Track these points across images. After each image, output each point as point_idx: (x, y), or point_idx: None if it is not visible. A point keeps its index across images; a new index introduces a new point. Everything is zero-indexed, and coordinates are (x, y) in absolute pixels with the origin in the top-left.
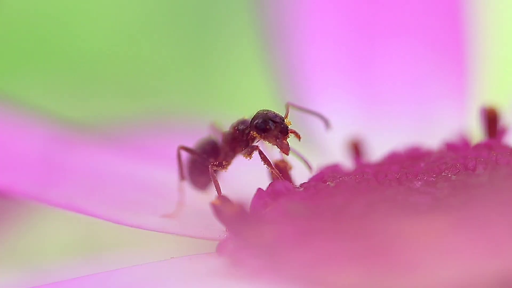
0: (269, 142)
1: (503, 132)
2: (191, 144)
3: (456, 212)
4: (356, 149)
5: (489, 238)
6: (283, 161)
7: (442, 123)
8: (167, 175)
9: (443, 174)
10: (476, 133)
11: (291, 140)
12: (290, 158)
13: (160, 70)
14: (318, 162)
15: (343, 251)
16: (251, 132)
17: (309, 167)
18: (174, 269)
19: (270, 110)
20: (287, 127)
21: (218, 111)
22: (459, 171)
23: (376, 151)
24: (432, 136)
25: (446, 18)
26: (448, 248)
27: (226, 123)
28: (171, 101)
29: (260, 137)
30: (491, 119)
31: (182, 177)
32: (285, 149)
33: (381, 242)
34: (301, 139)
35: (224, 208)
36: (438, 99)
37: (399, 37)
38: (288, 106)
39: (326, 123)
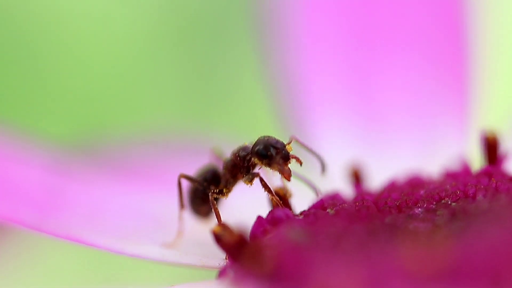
0: (271, 168)
1: (503, 158)
2: (193, 168)
3: (454, 239)
4: (356, 175)
5: (488, 266)
6: (283, 188)
7: (442, 148)
8: (167, 202)
9: (443, 201)
10: (476, 158)
11: (294, 165)
12: (291, 185)
13: (161, 92)
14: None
15: (344, 279)
16: (252, 158)
17: (315, 191)
18: None
19: (271, 136)
20: (288, 153)
21: (219, 134)
22: (459, 198)
23: (376, 176)
24: (433, 161)
25: (449, 43)
26: (449, 276)
27: (227, 147)
28: (173, 124)
29: (262, 163)
30: (491, 146)
31: (182, 206)
32: (287, 175)
33: (382, 270)
34: (302, 164)
35: (224, 236)
36: (439, 124)
37: (400, 61)
38: (292, 138)
39: (323, 167)
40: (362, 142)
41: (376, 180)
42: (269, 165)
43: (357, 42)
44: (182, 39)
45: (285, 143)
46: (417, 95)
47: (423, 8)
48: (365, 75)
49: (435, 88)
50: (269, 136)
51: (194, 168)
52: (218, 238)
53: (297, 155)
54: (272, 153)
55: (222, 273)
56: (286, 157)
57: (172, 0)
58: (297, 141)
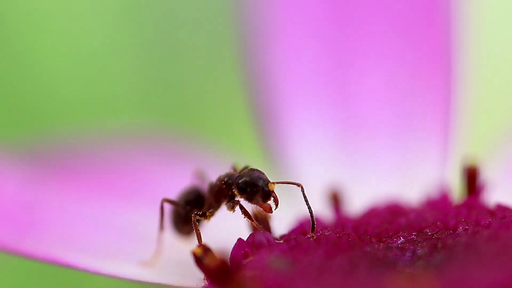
0: (250, 203)
1: (483, 189)
2: (174, 182)
3: (435, 272)
4: (335, 198)
5: None
6: (262, 212)
7: (422, 172)
8: (146, 219)
9: (423, 231)
10: (455, 183)
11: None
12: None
13: (136, 97)
14: (297, 211)
15: None
16: (234, 189)
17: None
18: None
19: (256, 170)
20: (270, 192)
21: (198, 143)
22: (439, 229)
23: (355, 198)
24: (412, 184)
25: (432, 66)
26: None
27: (208, 162)
28: (151, 130)
29: (241, 197)
30: (471, 176)
31: (162, 228)
32: (268, 210)
33: None
34: (278, 207)
35: (204, 258)
36: (419, 148)
37: (382, 81)
38: (300, 188)
39: (313, 226)
40: (341, 164)
41: (355, 202)
42: (249, 200)
43: (337, 58)
44: (154, 41)
45: (268, 180)
46: (396, 119)
47: (406, 26)
48: (345, 95)
49: (416, 112)
50: (253, 170)
51: (175, 182)
52: (198, 260)
53: (276, 195)
54: (253, 190)
55: None
56: (266, 196)
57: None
58: (302, 193)
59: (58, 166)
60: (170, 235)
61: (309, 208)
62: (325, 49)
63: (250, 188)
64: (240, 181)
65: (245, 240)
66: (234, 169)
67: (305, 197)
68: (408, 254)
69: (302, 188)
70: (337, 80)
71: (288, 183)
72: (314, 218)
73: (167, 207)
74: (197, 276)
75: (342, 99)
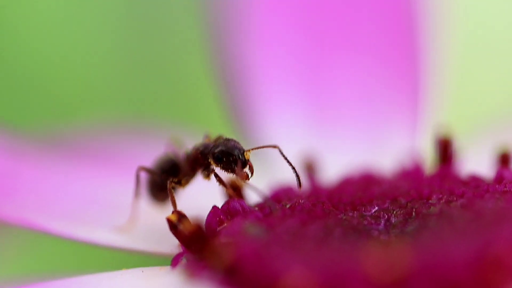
0: (226, 172)
1: (456, 158)
2: (148, 151)
3: (409, 240)
4: (310, 169)
5: (441, 265)
6: (237, 180)
7: (394, 142)
8: (122, 187)
9: (397, 200)
10: (428, 153)
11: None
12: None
13: (116, 83)
14: (270, 179)
15: (302, 279)
16: (209, 159)
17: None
18: (126, 281)
19: (231, 140)
20: (245, 161)
21: (173, 123)
22: (413, 198)
23: (329, 168)
24: (384, 154)
25: (400, 38)
26: (400, 275)
27: (182, 135)
28: (126, 113)
29: (217, 166)
30: (444, 146)
31: (137, 195)
32: (244, 178)
33: (339, 272)
34: (253, 175)
35: (179, 224)
36: (391, 119)
37: (352, 56)
38: (277, 149)
39: (299, 182)
40: (315, 134)
41: (328, 172)
42: (225, 169)
43: (310, 38)
44: (134, 33)
45: (244, 149)
46: (370, 87)
47: (375, 7)
48: (317, 70)
49: (388, 84)
50: (228, 140)
51: (149, 150)
52: (173, 226)
53: (252, 164)
54: (228, 159)
55: (176, 259)
56: (242, 165)
57: None
58: (280, 153)
59: (38, 141)
60: (146, 203)
61: (291, 165)
62: (301, 30)
63: (226, 157)
64: (216, 151)
65: (220, 207)
66: (208, 139)
67: (284, 156)
68: (382, 222)
69: (279, 148)
70: (311, 57)
71: (264, 147)
72: (298, 174)
73: (143, 176)
74: (172, 243)
75: (316, 74)
